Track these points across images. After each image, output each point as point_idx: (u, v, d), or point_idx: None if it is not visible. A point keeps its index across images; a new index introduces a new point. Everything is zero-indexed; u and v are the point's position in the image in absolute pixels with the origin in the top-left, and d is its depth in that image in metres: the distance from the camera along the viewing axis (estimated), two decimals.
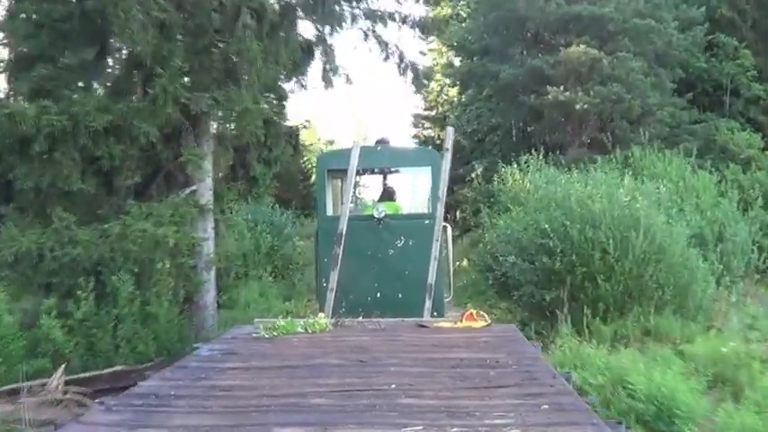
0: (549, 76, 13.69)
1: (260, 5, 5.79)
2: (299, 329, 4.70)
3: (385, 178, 7.43)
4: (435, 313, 5.61)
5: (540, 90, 13.79)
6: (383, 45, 7.22)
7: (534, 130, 15.91)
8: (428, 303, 5.45)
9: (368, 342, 4.23)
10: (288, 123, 7.96)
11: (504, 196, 10.97)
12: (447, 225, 6.29)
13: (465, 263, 13.35)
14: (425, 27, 7.31)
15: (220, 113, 6.15)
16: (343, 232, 5.71)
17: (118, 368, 4.98)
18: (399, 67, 7.40)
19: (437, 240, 5.71)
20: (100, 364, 5.26)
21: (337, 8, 6.73)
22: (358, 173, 6.34)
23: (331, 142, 35.65)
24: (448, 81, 22.79)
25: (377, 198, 7.45)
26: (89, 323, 5.36)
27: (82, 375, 4.92)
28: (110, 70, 7.17)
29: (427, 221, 5.97)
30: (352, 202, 6.27)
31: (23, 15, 6.44)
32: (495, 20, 15.44)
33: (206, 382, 3.23)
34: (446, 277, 6.45)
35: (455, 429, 2.38)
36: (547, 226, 6.97)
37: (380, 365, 3.51)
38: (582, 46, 13.28)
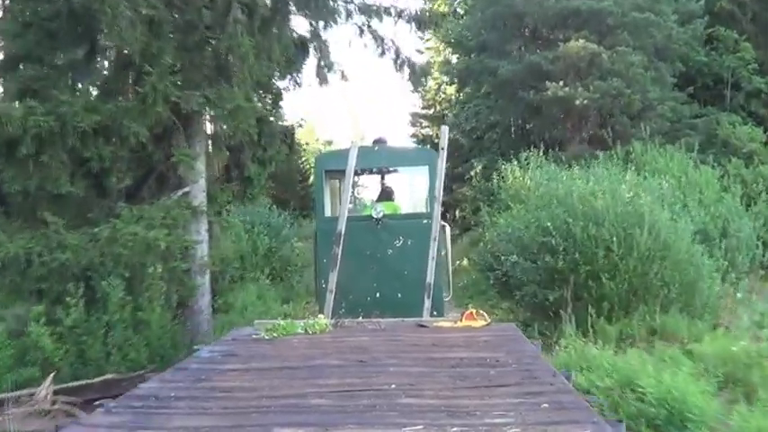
0: (547, 72, 13.55)
1: (251, 0, 5.62)
2: (299, 330, 4.68)
3: (383, 178, 7.37)
4: (435, 313, 5.57)
5: (539, 86, 13.65)
6: (379, 40, 7.05)
7: (533, 127, 15.78)
8: (427, 303, 5.41)
9: (368, 342, 4.22)
10: (283, 122, 7.77)
11: (504, 194, 10.81)
12: (445, 224, 6.23)
13: (465, 262, 13.21)
14: (422, 21, 7.14)
15: (212, 112, 5.95)
16: (342, 232, 5.65)
17: (108, 376, 4.81)
18: (396, 63, 7.23)
19: (435, 240, 5.66)
20: (90, 372, 5.10)
21: (331, 2, 6.56)
22: (356, 173, 6.28)
23: (329, 142, 35.57)
24: (446, 79, 22.63)
25: (375, 198, 7.38)
26: (79, 330, 5.20)
27: (71, 384, 4.77)
28: (104, 72, 7.01)
29: (426, 221, 5.93)
30: (350, 203, 6.21)
31: (9, 15, 6.27)
32: (492, 16, 15.29)
33: (206, 383, 3.22)
34: (445, 277, 6.41)
35: (455, 429, 2.37)
36: (549, 224, 6.82)
37: (380, 365, 3.49)
38: (581, 41, 13.15)
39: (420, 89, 25.97)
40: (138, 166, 6.70)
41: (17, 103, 5.77)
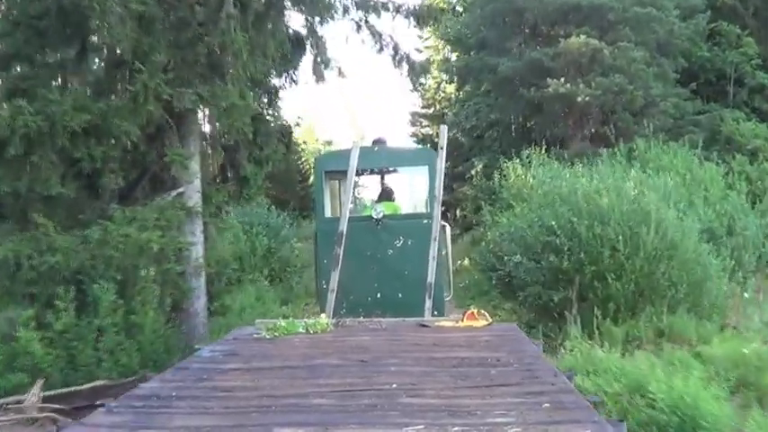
0: (548, 69, 13.39)
1: None
2: (300, 330, 4.67)
3: (383, 178, 7.36)
4: (436, 312, 5.54)
5: (540, 83, 13.49)
6: (377, 36, 6.89)
7: (534, 125, 15.62)
8: (428, 303, 5.38)
9: (369, 342, 4.22)
10: (280, 120, 7.62)
11: (506, 193, 10.66)
12: (446, 224, 6.21)
13: (466, 262, 13.07)
14: (421, 16, 6.97)
15: (206, 110, 5.79)
16: (344, 232, 5.62)
17: (98, 383, 4.65)
18: (394, 59, 7.08)
19: (436, 239, 5.63)
20: (81, 378, 4.94)
21: None
22: (356, 173, 6.21)
23: (329, 142, 35.48)
24: (445, 77, 22.48)
25: (375, 198, 7.36)
26: (69, 335, 5.04)
27: (59, 391, 4.60)
28: (96, 71, 6.86)
29: (425, 221, 5.90)
30: (351, 203, 6.19)
31: None
32: (492, 12, 15.12)
33: (207, 382, 3.22)
34: (446, 276, 6.39)
35: (456, 428, 2.36)
36: (554, 223, 6.64)
37: (381, 365, 3.49)
38: (582, 36, 12.98)
39: (419, 88, 25.90)
40: (131, 167, 6.56)
41: (5, 103, 5.62)
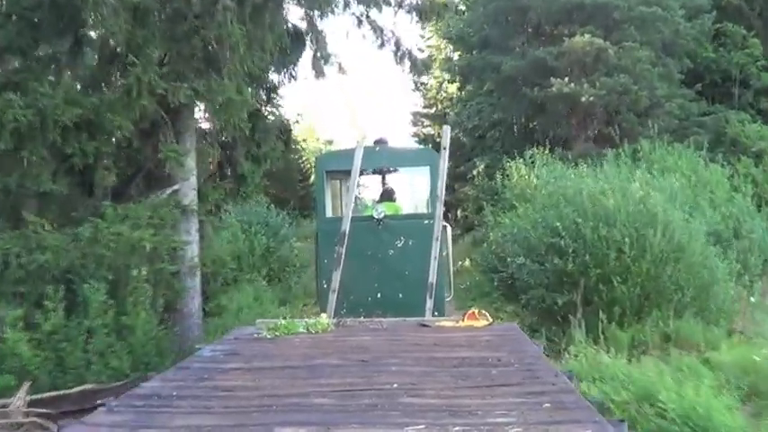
0: (552, 68, 13.22)
1: None
2: (301, 330, 4.66)
3: (384, 179, 7.37)
4: (436, 313, 5.51)
5: (544, 83, 13.32)
6: (378, 31, 6.73)
7: (537, 125, 15.45)
8: (429, 303, 5.34)
9: (369, 342, 4.22)
10: (278, 117, 7.45)
11: (508, 193, 10.50)
12: (446, 224, 6.16)
13: (467, 263, 12.91)
14: (423, 12, 6.80)
15: (202, 105, 5.63)
16: (346, 232, 5.59)
17: (86, 387, 4.49)
18: (396, 55, 6.92)
19: (437, 239, 5.57)
20: (70, 381, 4.78)
21: None
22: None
23: (329, 142, 35.37)
24: (447, 77, 22.32)
25: (376, 199, 7.35)
26: (58, 336, 4.88)
27: (47, 395, 4.44)
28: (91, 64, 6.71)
29: (427, 221, 5.86)
30: (353, 202, 6.19)
31: None
32: (495, 10, 14.95)
33: (208, 382, 3.22)
34: (447, 277, 6.36)
35: (457, 428, 2.36)
36: (558, 224, 6.48)
37: (382, 365, 3.48)
38: (586, 35, 12.81)
39: (421, 88, 25.80)
40: (126, 164, 6.42)
41: None
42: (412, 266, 5.76)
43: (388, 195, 7.01)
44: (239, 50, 5.29)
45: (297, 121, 10.85)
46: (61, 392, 4.46)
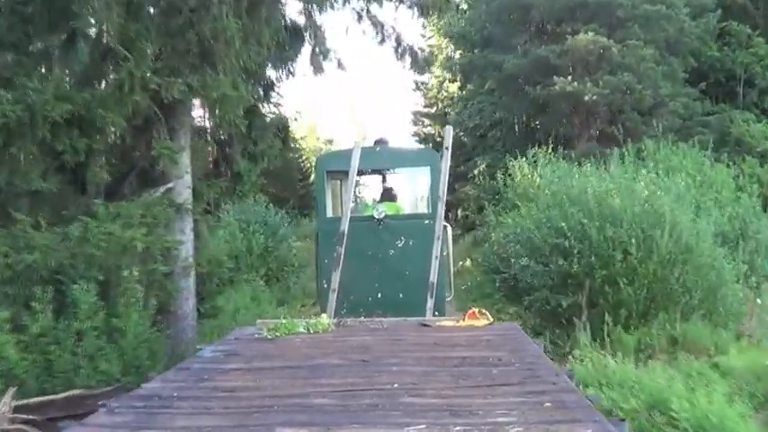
0: (555, 66, 13.06)
1: None
2: (302, 330, 4.65)
3: (384, 179, 7.36)
4: (437, 312, 5.51)
5: (546, 81, 13.16)
6: (378, 27, 6.57)
7: (539, 124, 15.28)
8: (430, 302, 5.34)
9: (370, 342, 4.23)
10: (276, 114, 7.28)
11: (511, 192, 10.35)
12: (447, 224, 6.11)
13: (468, 263, 12.77)
14: (424, 7, 6.63)
15: (196, 101, 5.45)
16: (345, 232, 5.58)
17: (73, 392, 4.32)
18: (396, 51, 6.76)
19: (439, 239, 5.57)
20: (58, 385, 4.60)
21: None
22: (357, 173, 6.17)
23: (330, 141, 35.27)
24: (448, 76, 22.17)
25: (377, 198, 7.34)
26: (46, 339, 4.69)
27: (32, 401, 4.26)
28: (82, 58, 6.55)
29: (427, 222, 5.87)
30: (352, 203, 6.20)
31: None
32: (497, 8, 14.79)
33: (209, 383, 3.22)
34: (447, 277, 6.36)
35: (458, 428, 2.36)
36: (563, 224, 6.31)
37: (383, 365, 3.49)
38: (590, 34, 12.65)
39: (422, 87, 25.67)
40: (120, 161, 6.24)
41: None
42: (412, 266, 5.76)
43: (388, 195, 7.00)
44: (235, 45, 5.12)
45: (295, 119, 10.66)
46: (47, 398, 4.28)
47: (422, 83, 25.52)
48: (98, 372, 4.71)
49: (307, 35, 6.43)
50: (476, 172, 16.30)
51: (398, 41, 6.76)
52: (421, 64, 7.09)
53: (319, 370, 3.40)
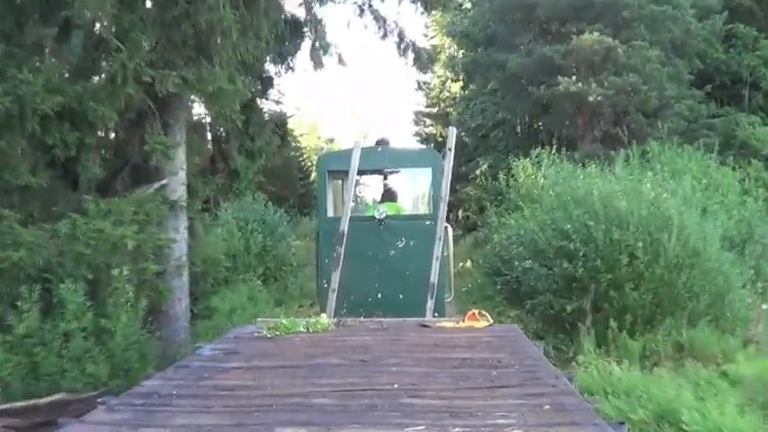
0: (559, 66, 12.88)
1: None
2: (301, 329, 4.62)
3: (385, 179, 7.31)
4: (436, 313, 5.50)
5: (550, 81, 12.99)
6: (380, 21, 6.40)
7: (542, 125, 15.11)
8: (430, 303, 5.33)
9: (370, 342, 4.21)
10: (276, 110, 7.12)
11: (513, 193, 10.18)
12: (448, 225, 6.04)
13: (468, 264, 12.61)
14: (428, 1, 6.47)
15: (191, 95, 5.28)
16: (345, 232, 5.57)
17: (56, 397, 4.15)
18: (399, 46, 6.59)
19: (440, 239, 5.53)
20: (44, 388, 4.43)
21: None
22: (358, 173, 6.18)
23: (331, 140, 35.15)
24: (450, 76, 22.01)
25: (378, 199, 7.33)
26: (33, 340, 4.53)
27: (18, 405, 4.10)
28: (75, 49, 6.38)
29: (428, 222, 5.85)
30: (353, 203, 6.17)
31: None
32: (501, 7, 14.62)
33: (208, 381, 3.21)
34: (447, 277, 6.34)
35: (457, 429, 2.36)
36: (569, 226, 6.14)
37: (382, 365, 3.47)
38: (595, 34, 12.47)
39: (424, 87, 25.52)
40: (114, 157, 6.09)
41: None
42: (413, 267, 5.75)
43: (389, 196, 6.97)
44: (232, 37, 4.96)
45: (293, 115, 10.48)
46: (29, 403, 4.11)
47: (424, 83, 25.38)
48: (85, 374, 4.55)
49: (306, 29, 6.26)
50: (477, 172, 16.15)
51: (401, 37, 6.60)
52: (424, 61, 6.92)
53: (319, 369, 3.39)
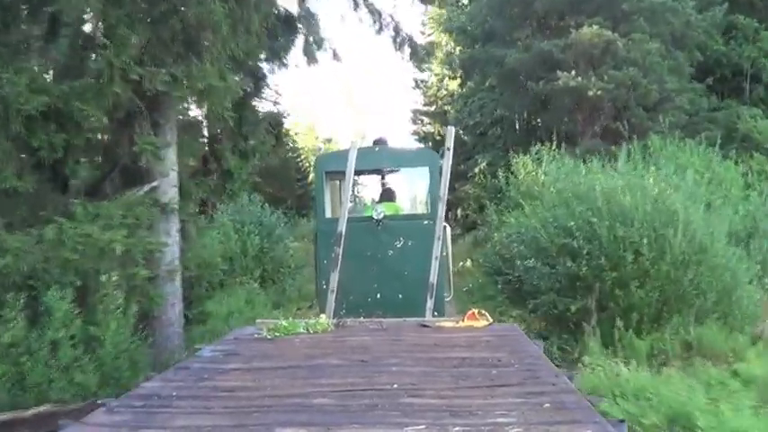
0: (558, 61, 12.72)
1: None
2: (301, 330, 4.63)
3: (383, 179, 7.36)
4: (436, 313, 5.48)
5: (549, 76, 12.82)
6: (376, 15, 6.25)
7: (541, 121, 14.93)
8: (430, 303, 5.33)
9: (369, 342, 4.23)
10: (269, 110, 6.96)
11: (513, 191, 10.01)
12: (446, 225, 6.00)
13: (468, 263, 12.46)
14: None
15: (180, 93, 5.10)
16: (343, 233, 5.54)
17: (42, 408, 3.99)
18: (395, 41, 6.44)
19: (439, 239, 5.50)
20: (31, 399, 4.27)
21: None
22: (356, 173, 6.19)
23: (328, 140, 34.97)
24: (448, 73, 21.85)
25: (376, 199, 7.33)
26: (19, 349, 4.36)
27: (1, 417, 3.94)
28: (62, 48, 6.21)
29: (426, 222, 5.86)
30: (351, 203, 6.21)
31: None
32: (498, 1, 14.48)
33: (208, 382, 3.24)
34: (446, 277, 6.33)
35: (457, 428, 2.37)
36: (572, 223, 5.99)
37: (382, 365, 3.49)
38: (594, 27, 12.28)
39: (421, 85, 25.34)
40: (103, 158, 5.92)
41: None
42: (411, 267, 5.75)
43: (387, 196, 6.95)
44: (222, 32, 4.79)
45: (288, 114, 10.31)
46: (14, 415, 3.95)
47: (421, 80, 25.23)
48: (73, 384, 4.38)
49: (300, 24, 6.09)
50: (476, 170, 15.99)
51: (397, 31, 6.45)
52: (420, 55, 6.77)
53: (319, 370, 3.42)
